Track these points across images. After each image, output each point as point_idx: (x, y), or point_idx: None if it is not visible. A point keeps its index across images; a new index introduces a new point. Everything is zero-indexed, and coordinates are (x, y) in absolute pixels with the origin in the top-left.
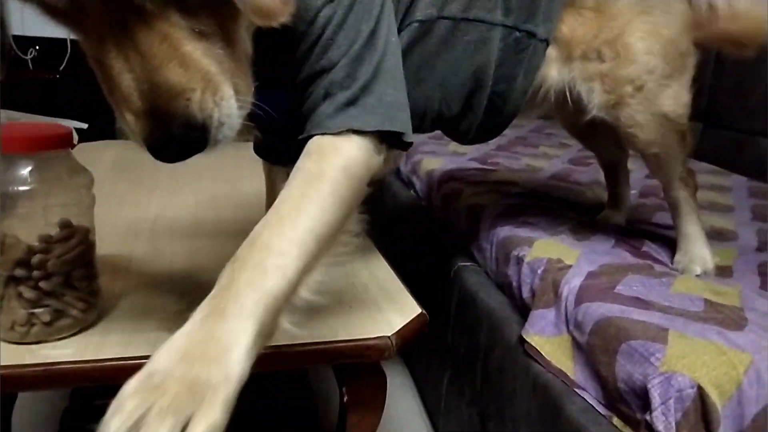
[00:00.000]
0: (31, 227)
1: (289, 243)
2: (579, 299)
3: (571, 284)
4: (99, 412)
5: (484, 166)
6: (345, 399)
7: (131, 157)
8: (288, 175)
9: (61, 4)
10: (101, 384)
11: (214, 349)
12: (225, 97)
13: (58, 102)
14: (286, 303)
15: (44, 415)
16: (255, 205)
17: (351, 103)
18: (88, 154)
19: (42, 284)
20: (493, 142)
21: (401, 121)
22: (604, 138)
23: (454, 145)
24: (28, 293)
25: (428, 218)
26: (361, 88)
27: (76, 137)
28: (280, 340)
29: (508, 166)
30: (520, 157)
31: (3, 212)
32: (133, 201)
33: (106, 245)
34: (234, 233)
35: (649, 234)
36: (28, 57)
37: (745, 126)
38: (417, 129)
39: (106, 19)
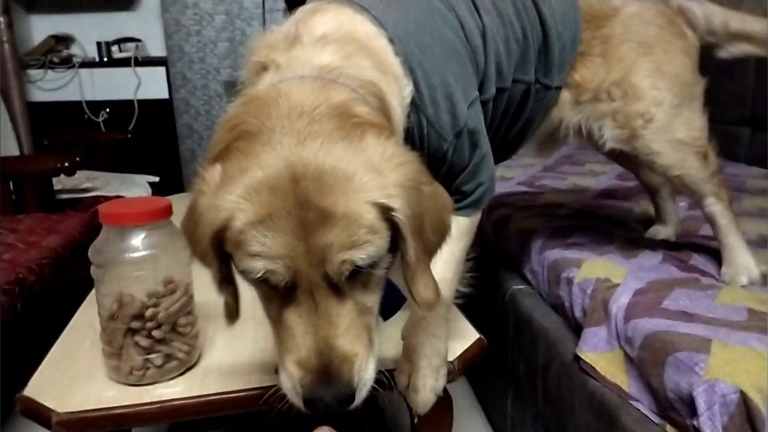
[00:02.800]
0: (143, 286)
1: (451, 292)
2: (628, 316)
3: (620, 302)
4: None
5: (532, 189)
6: (415, 421)
7: None
8: None
9: (280, 284)
10: (208, 416)
11: (435, 348)
12: (370, 365)
13: (129, 159)
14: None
15: None
16: None
17: (476, 203)
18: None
19: (154, 333)
20: (540, 164)
21: (495, 189)
22: (636, 159)
23: (500, 170)
24: (143, 342)
25: (482, 244)
26: (481, 192)
27: (150, 190)
28: None
29: (555, 187)
30: (567, 177)
31: (119, 276)
32: None
33: (200, 292)
34: None
35: (696, 247)
36: (100, 120)
37: None
38: None
39: (311, 294)
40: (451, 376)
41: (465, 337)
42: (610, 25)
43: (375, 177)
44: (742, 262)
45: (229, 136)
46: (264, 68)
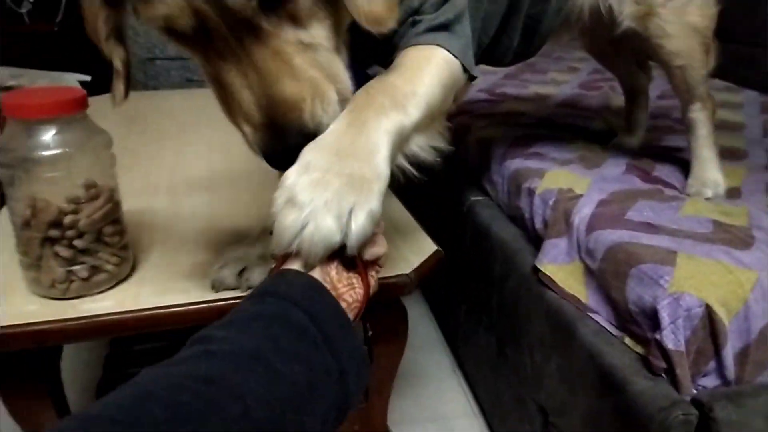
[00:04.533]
0: (59, 190)
1: (413, 92)
2: (590, 227)
3: (582, 213)
4: (139, 356)
5: (492, 97)
6: (369, 333)
7: (138, 109)
8: None
9: (187, 30)
10: (140, 332)
11: (363, 152)
12: (331, 103)
13: (56, 55)
14: (404, 141)
15: (88, 362)
16: None
17: (440, 28)
18: (95, 109)
19: (76, 242)
20: (501, 71)
21: (470, 58)
22: (628, 60)
23: None
24: (64, 252)
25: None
26: (448, 20)
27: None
28: None
29: (517, 95)
30: (529, 85)
31: (30, 177)
32: (148, 154)
33: (129, 202)
34: (247, 181)
35: (659, 157)
36: (23, 10)
37: (758, 40)
38: None
39: (227, 41)
40: (407, 289)
41: (422, 248)
42: None
43: None
44: (710, 175)
45: None
46: None
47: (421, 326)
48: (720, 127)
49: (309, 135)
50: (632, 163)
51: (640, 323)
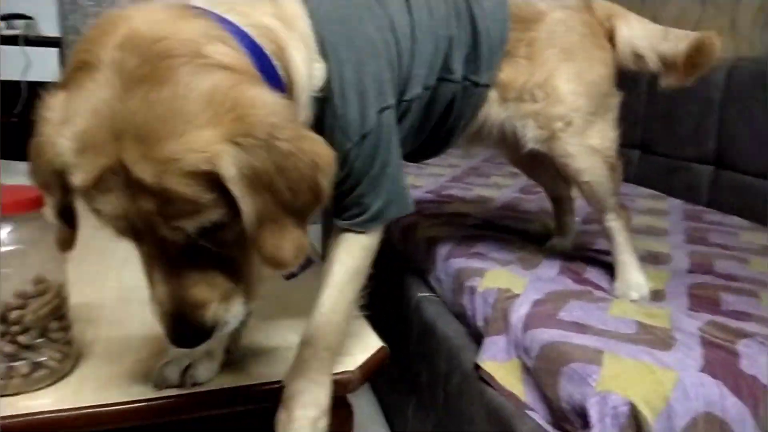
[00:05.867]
0: (7, 286)
1: (339, 330)
2: (526, 326)
3: (519, 312)
4: None
5: (439, 198)
6: None
7: None
8: None
9: (123, 232)
10: (82, 431)
11: (315, 398)
12: (235, 304)
13: (14, 144)
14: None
15: None
16: None
17: (374, 219)
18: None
19: (20, 338)
20: (448, 174)
21: (408, 205)
22: (546, 171)
23: (410, 178)
24: (7, 348)
25: (390, 250)
26: (380, 206)
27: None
28: (249, 380)
29: (462, 197)
30: (473, 188)
31: None
32: (98, 247)
33: (76, 294)
34: None
35: (590, 260)
36: None
37: (679, 152)
38: None
39: (155, 246)
40: (352, 386)
41: (367, 345)
42: (537, 29)
43: (198, 138)
44: (633, 278)
45: (74, 61)
46: None
47: (370, 424)
48: (645, 232)
49: (207, 330)
50: (566, 265)
51: (572, 421)
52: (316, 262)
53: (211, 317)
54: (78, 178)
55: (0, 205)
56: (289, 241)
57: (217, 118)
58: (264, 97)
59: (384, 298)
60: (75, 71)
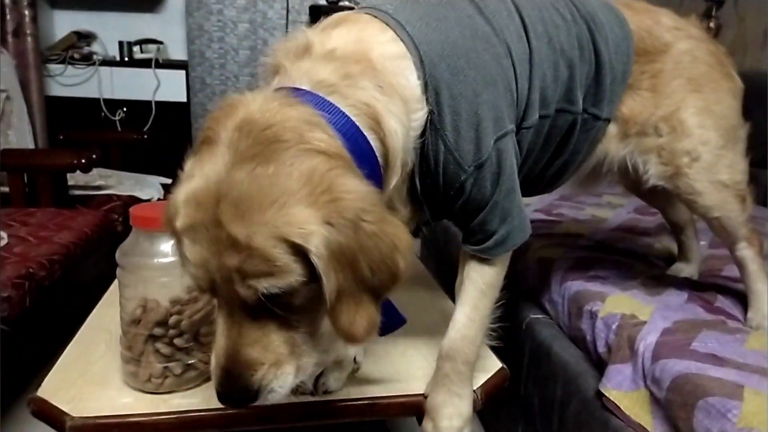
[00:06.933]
0: (167, 293)
1: (475, 344)
2: (656, 355)
3: (647, 340)
4: None
5: (549, 217)
6: None
7: None
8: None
9: (201, 282)
10: (227, 429)
11: (458, 409)
12: (285, 373)
13: (143, 159)
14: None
15: None
16: None
17: (500, 244)
18: None
19: (176, 341)
20: (556, 192)
21: (525, 232)
22: (668, 199)
23: None
24: (164, 349)
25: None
26: (505, 233)
27: (162, 192)
28: (371, 393)
29: (573, 216)
30: (584, 207)
31: (145, 280)
32: None
33: None
34: None
35: (721, 288)
36: (117, 118)
37: None
38: None
39: (227, 301)
40: (475, 406)
41: (488, 366)
42: (662, 60)
43: (294, 211)
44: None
45: (202, 136)
46: (276, 72)
47: None
48: None
49: (252, 392)
50: (694, 292)
51: None
52: (405, 322)
53: (259, 380)
54: (179, 222)
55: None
56: (364, 317)
57: (313, 197)
58: (354, 182)
59: (494, 320)
60: (201, 144)
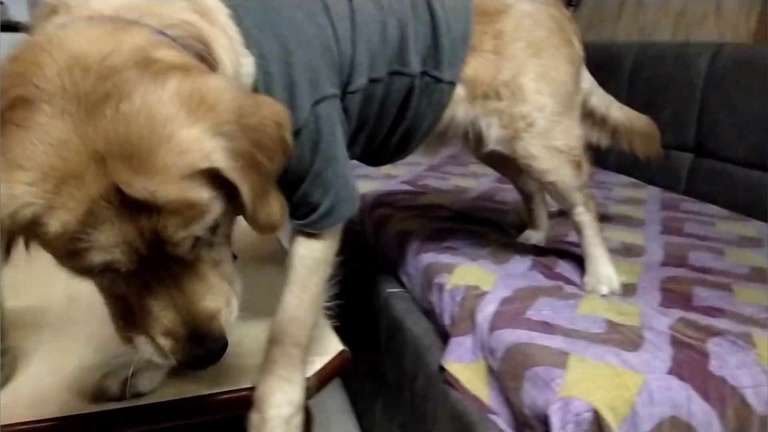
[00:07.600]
0: None
1: (306, 325)
2: (493, 326)
3: (486, 311)
4: None
5: (414, 189)
6: None
7: None
8: None
9: (124, 269)
10: None
11: (288, 395)
12: (233, 306)
13: None
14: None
15: None
16: None
17: (325, 216)
18: None
19: None
20: (425, 163)
21: (354, 204)
22: (512, 166)
23: (386, 168)
24: None
25: (362, 244)
26: (330, 204)
27: None
28: (204, 390)
29: (438, 187)
30: (450, 178)
31: None
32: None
33: (20, 298)
34: None
35: (563, 253)
36: None
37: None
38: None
39: (156, 272)
40: (307, 393)
41: (327, 348)
42: (501, 21)
43: (184, 137)
44: (603, 272)
45: (7, 101)
46: (53, 12)
47: (339, 420)
48: (622, 223)
49: (222, 342)
50: (537, 259)
51: (534, 427)
52: None
53: (225, 323)
54: (58, 222)
55: None
56: (276, 205)
57: (193, 115)
58: (217, 82)
59: (355, 293)
60: (10, 111)
